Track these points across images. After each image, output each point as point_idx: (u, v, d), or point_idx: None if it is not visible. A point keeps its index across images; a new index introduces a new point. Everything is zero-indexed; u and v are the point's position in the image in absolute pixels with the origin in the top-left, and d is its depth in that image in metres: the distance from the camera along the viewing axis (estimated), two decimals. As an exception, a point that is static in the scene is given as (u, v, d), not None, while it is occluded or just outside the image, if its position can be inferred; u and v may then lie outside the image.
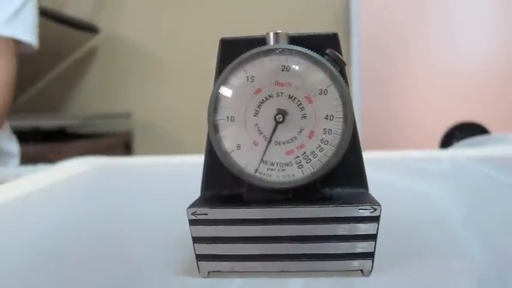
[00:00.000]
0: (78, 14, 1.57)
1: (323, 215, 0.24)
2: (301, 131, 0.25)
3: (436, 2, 1.61)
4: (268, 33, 0.26)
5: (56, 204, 0.46)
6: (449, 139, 1.20)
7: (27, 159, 1.22)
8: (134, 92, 1.69)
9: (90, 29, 1.57)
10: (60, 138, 1.39)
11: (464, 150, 0.71)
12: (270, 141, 0.25)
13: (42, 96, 1.73)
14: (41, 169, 0.60)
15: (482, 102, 1.50)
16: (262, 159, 0.25)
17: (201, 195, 0.28)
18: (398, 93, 1.58)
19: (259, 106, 0.25)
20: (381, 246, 0.25)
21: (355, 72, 1.42)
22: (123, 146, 1.66)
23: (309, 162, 0.25)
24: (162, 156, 0.68)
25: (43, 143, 1.34)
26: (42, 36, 1.41)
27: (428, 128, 1.49)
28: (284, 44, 0.25)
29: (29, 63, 1.55)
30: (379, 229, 0.25)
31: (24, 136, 1.36)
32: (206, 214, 0.25)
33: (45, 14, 1.32)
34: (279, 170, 0.25)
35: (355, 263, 0.25)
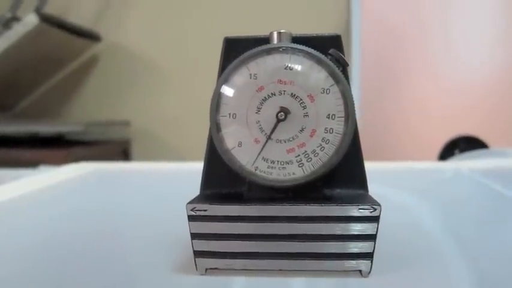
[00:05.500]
0: (80, 21, 1.58)
1: (323, 214, 0.24)
2: (302, 129, 0.25)
3: (437, 17, 1.63)
4: (271, 33, 0.26)
5: (54, 206, 0.46)
6: (451, 149, 1.20)
7: (25, 165, 1.22)
8: (133, 100, 1.69)
9: (92, 37, 1.58)
10: (59, 145, 1.39)
11: (468, 162, 0.71)
12: (269, 137, 0.25)
13: (41, 102, 1.73)
14: (40, 172, 0.60)
15: (481, 117, 1.50)
16: (259, 155, 0.25)
17: (200, 192, 0.27)
18: (397, 106, 1.58)
19: (261, 104, 0.25)
20: (381, 250, 0.25)
21: (354, 85, 1.43)
22: (122, 153, 1.65)
23: (309, 161, 0.25)
24: (158, 162, 0.68)
25: (41, 149, 1.34)
26: (43, 42, 1.42)
27: (425, 141, 1.49)
28: (288, 43, 0.25)
29: (30, 69, 1.55)
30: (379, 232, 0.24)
31: (22, 142, 1.36)
32: (205, 210, 0.25)
33: (48, 21, 1.32)
34: (279, 168, 0.25)
35: (354, 263, 0.25)
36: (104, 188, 0.54)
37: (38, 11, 1.33)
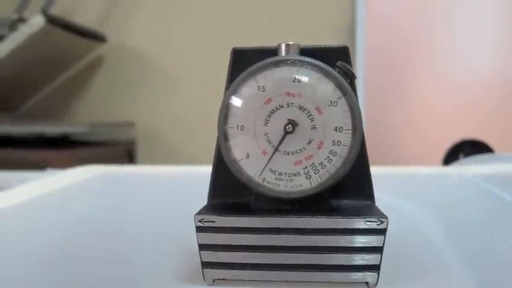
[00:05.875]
0: (86, 22, 1.59)
1: (330, 226, 0.24)
2: (310, 141, 0.25)
3: (442, 17, 1.63)
4: (279, 44, 0.26)
5: (61, 211, 0.46)
6: (455, 153, 1.20)
7: (30, 165, 1.23)
8: (138, 101, 1.70)
9: (97, 38, 1.58)
10: (64, 146, 1.40)
11: (472, 167, 0.71)
12: (276, 149, 0.25)
13: (47, 103, 1.74)
14: (47, 175, 0.60)
15: (485, 118, 1.50)
16: (267, 166, 0.25)
17: (208, 202, 0.28)
18: (402, 108, 1.58)
19: (269, 116, 0.25)
20: (386, 261, 0.25)
21: (359, 86, 1.43)
22: (126, 154, 1.66)
23: (317, 173, 0.25)
24: (166, 165, 0.68)
25: (46, 150, 1.35)
26: (49, 43, 1.42)
27: (430, 141, 1.49)
28: (295, 55, 0.25)
29: (35, 70, 1.56)
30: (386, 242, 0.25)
31: (27, 143, 1.37)
32: (213, 222, 0.25)
33: (53, 22, 1.33)
34: (287, 180, 0.25)
35: (361, 275, 0.25)
36: (111, 193, 0.54)
37: (44, 12, 1.34)
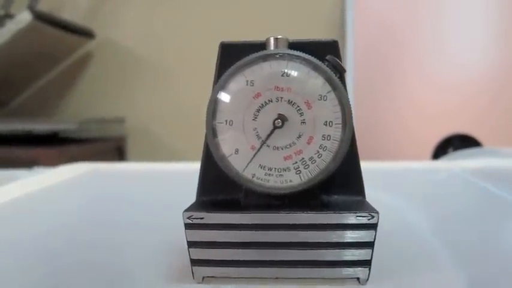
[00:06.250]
0: (74, 18, 1.57)
1: (320, 222, 0.24)
2: (299, 136, 0.24)
3: (430, 16, 1.63)
4: (268, 38, 0.26)
5: (49, 210, 0.46)
6: (444, 147, 1.21)
7: (19, 163, 1.21)
8: (128, 97, 1.69)
9: (86, 34, 1.57)
10: (53, 143, 1.38)
11: (460, 161, 0.71)
12: (264, 142, 0.24)
13: (35, 100, 1.72)
14: (36, 173, 0.59)
15: (474, 116, 1.51)
16: (253, 159, 0.25)
17: (196, 199, 0.27)
18: (391, 105, 1.59)
19: (258, 111, 0.25)
20: (376, 256, 0.25)
21: (348, 84, 1.43)
22: (116, 151, 1.65)
23: (307, 168, 0.25)
24: (156, 162, 0.68)
25: (36, 147, 1.33)
26: (37, 39, 1.41)
27: (419, 138, 1.50)
28: (284, 49, 0.25)
29: (23, 66, 1.54)
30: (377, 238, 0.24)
31: (16, 140, 1.35)
32: (202, 218, 0.25)
33: (40, 18, 1.31)
34: (276, 176, 0.25)
35: (352, 271, 0.25)
36: (100, 191, 0.54)
37: (31, 8, 1.32)
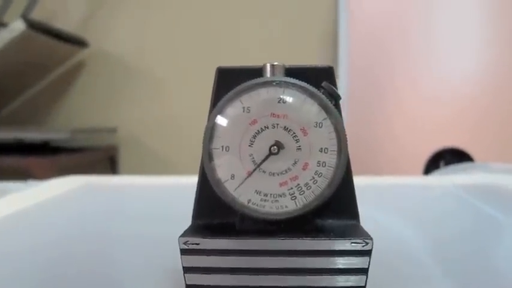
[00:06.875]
0: (67, 27, 1.57)
1: (315, 248, 0.24)
2: (295, 162, 0.25)
3: (422, 29, 1.65)
4: (265, 65, 0.26)
5: (42, 224, 0.45)
6: (436, 161, 1.21)
7: (9, 172, 1.20)
8: (120, 106, 1.68)
9: (79, 43, 1.57)
10: (44, 152, 1.38)
11: (451, 177, 0.72)
12: (258, 166, 0.25)
13: (27, 108, 1.71)
14: (29, 186, 0.59)
15: (466, 129, 1.53)
16: (245, 182, 0.25)
17: (192, 223, 0.27)
18: (384, 118, 1.60)
19: (254, 137, 0.25)
20: (372, 276, 0.25)
21: (342, 99, 1.43)
22: (108, 160, 1.64)
23: (302, 193, 0.25)
24: (149, 176, 0.68)
25: (27, 157, 1.32)
26: (30, 48, 1.40)
27: (411, 152, 1.51)
28: (281, 77, 0.26)
29: (15, 75, 1.53)
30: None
31: (7, 148, 1.34)
32: (198, 244, 0.25)
33: (34, 27, 1.31)
34: (272, 201, 0.25)
35: (346, 297, 0.25)
36: (95, 204, 0.54)
37: (24, 17, 1.32)
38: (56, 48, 1.49)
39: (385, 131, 1.60)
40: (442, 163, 1.16)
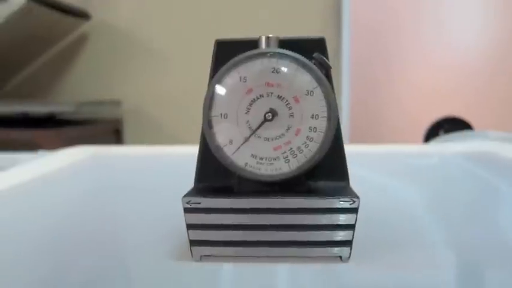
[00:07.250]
0: (70, 0, 1.57)
1: (307, 206, 0.27)
2: (288, 128, 0.27)
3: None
4: (260, 37, 0.28)
5: (53, 194, 0.48)
6: (436, 130, 1.23)
7: (16, 145, 1.23)
8: (125, 79, 1.70)
9: (82, 15, 1.57)
10: (50, 125, 1.40)
11: (450, 144, 0.74)
12: (254, 132, 0.27)
13: (31, 82, 1.73)
14: (39, 156, 0.61)
15: (468, 98, 1.53)
16: (242, 148, 0.27)
17: (194, 186, 0.30)
18: (388, 85, 1.61)
19: (250, 105, 0.27)
20: (362, 235, 0.27)
21: (345, 61, 1.44)
22: (113, 133, 1.67)
23: (295, 157, 0.27)
24: (156, 146, 0.70)
25: (32, 129, 1.35)
26: (32, 21, 1.41)
27: (414, 119, 1.52)
28: (275, 48, 0.27)
29: (18, 49, 1.54)
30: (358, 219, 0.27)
31: (13, 122, 1.37)
32: (199, 203, 0.27)
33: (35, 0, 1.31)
34: (267, 164, 0.27)
35: (335, 250, 0.27)
36: (103, 174, 0.56)
37: (25, -10, 1.32)
38: (57, 21, 1.49)
39: (389, 97, 1.60)
40: (441, 132, 1.18)
